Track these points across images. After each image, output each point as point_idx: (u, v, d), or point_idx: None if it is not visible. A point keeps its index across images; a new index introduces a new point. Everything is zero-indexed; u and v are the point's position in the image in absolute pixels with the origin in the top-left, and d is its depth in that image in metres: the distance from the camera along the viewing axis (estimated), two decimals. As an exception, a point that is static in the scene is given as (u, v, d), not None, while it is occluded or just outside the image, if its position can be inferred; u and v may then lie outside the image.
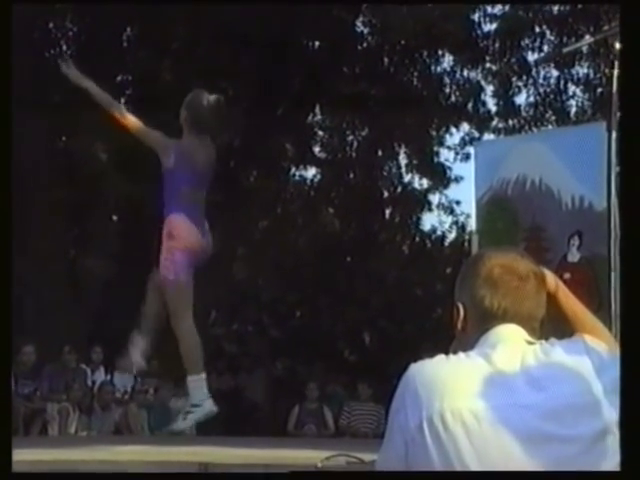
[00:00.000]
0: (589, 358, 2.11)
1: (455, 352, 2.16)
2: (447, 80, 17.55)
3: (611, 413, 2.05)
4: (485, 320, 2.18)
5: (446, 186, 18.79)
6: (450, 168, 18.39)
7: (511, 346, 2.13)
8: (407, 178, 19.23)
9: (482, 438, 2.02)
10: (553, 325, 2.29)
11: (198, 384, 5.94)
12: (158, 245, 6.13)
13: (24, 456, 4.92)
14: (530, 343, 2.15)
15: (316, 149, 19.25)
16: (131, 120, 6.13)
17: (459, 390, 2.05)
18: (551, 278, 2.32)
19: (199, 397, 5.93)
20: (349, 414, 12.75)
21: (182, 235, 5.99)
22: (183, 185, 6.06)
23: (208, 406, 5.93)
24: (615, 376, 2.06)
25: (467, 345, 2.18)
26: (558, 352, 2.12)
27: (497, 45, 16.41)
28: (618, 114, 3.21)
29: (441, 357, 2.14)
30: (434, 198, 19.20)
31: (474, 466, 2.01)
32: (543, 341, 2.17)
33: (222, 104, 6.32)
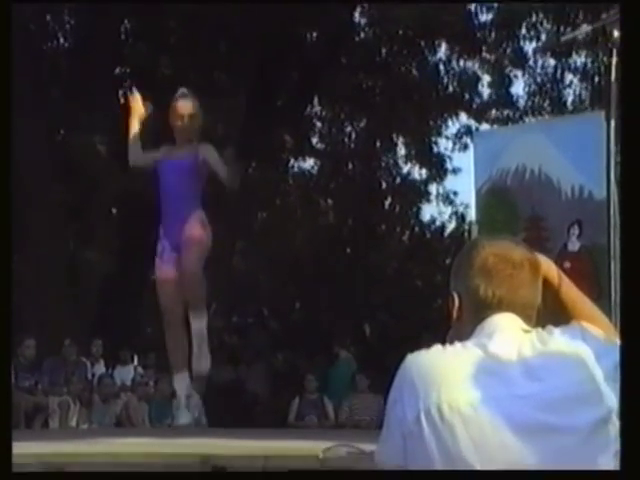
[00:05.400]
0: (586, 345, 2.09)
1: (452, 342, 2.14)
2: (445, 70, 17.54)
3: (609, 401, 2.03)
4: (480, 309, 2.16)
5: (445, 177, 18.79)
6: (449, 158, 18.40)
7: (507, 335, 2.11)
8: (406, 169, 19.26)
9: (479, 429, 2.00)
10: (551, 313, 2.28)
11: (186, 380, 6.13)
12: (176, 238, 6.09)
13: (25, 449, 4.93)
14: (526, 331, 2.14)
15: (314, 140, 19.25)
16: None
17: (456, 381, 2.04)
18: (547, 265, 2.30)
19: (188, 390, 6.18)
20: (350, 405, 12.75)
21: (209, 230, 6.02)
22: (204, 183, 6.13)
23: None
24: (613, 363, 2.05)
25: (463, 335, 2.16)
26: (555, 340, 2.10)
27: (494, 35, 16.40)
28: (617, 103, 3.21)
29: (437, 347, 2.12)
30: (433, 189, 19.22)
31: (471, 458, 1.99)
32: (540, 329, 2.15)
33: None
